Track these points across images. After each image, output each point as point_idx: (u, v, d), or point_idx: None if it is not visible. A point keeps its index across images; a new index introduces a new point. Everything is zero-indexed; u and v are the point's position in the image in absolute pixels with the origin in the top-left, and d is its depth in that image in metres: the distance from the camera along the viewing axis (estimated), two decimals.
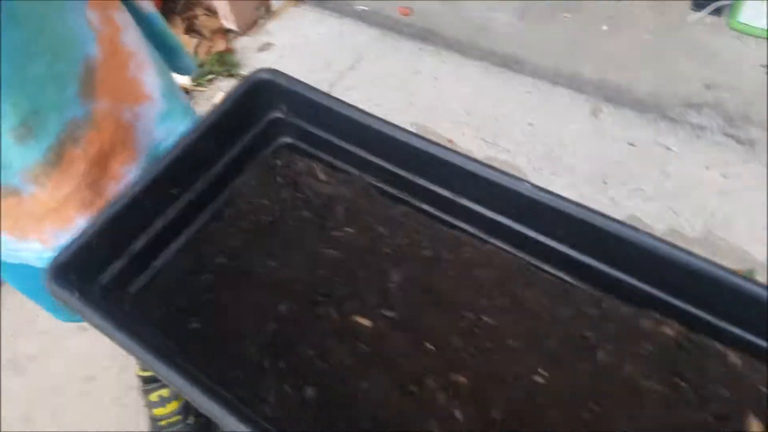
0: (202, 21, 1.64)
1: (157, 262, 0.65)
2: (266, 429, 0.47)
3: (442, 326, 0.60)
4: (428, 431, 0.53)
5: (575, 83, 1.53)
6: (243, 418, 0.46)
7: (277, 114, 0.69)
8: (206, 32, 1.61)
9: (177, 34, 1.55)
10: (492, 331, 0.59)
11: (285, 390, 0.56)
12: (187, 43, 1.58)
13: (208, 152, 0.66)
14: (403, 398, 0.55)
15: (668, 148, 1.42)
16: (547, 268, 0.62)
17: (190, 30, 1.64)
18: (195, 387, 0.47)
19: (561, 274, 0.61)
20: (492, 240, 0.64)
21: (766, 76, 1.48)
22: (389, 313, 0.61)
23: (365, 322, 0.61)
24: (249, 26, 1.67)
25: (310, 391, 0.56)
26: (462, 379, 0.57)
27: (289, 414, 0.54)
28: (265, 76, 0.66)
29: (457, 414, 0.54)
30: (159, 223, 0.64)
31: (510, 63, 1.57)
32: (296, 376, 0.57)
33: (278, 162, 0.73)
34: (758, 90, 1.46)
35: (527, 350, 0.58)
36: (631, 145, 1.43)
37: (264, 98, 0.67)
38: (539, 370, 0.57)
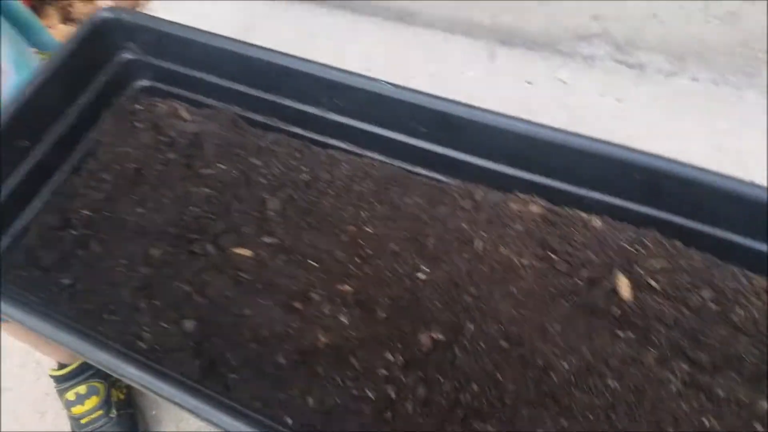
0: (78, 8, 1.55)
1: (19, 222, 0.61)
2: (136, 359, 0.45)
3: (324, 243, 0.59)
4: (315, 340, 0.52)
5: (470, 30, 1.56)
6: (113, 352, 0.44)
7: (128, 55, 0.66)
8: (84, 19, 1.53)
9: (53, 24, 1.47)
10: (374, 239, 0.59)
11: (162, 326, 0.54)
12: (64, 31, 1.49)
13: (56, 100, 0.62)
14: (288, 315, 0.54)
15: (564, 82, 1.47)
16: (421, 171, 0.62)
17: (67, 19, 1.55)
18: (62, 330, 0.45)
19: (435, 175, 0.62)
20: (367, 153, 0.64)
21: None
22: (269, 240, 0.60)
23: (245, 252, 0.59)
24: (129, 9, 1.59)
25: (188, 324, 0.54)
26: (347, 288, 0.56)
27: (166, 347, 0.52)
28: (107, 14, 0.63)
29: (343, 319, 0.54)
30: (12, 181, 0.60)
31: (404, 16, 1.58)
32: (173, 312, 0.55)
33: (137, 107, 0.69)
34: (643, 15, 1.53)
35: (409, 252, 0.58)
36: (529, 83, 1.47)
37: (109, 38, 0.64)
38: (422, 267, 0.57)
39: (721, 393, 0.47)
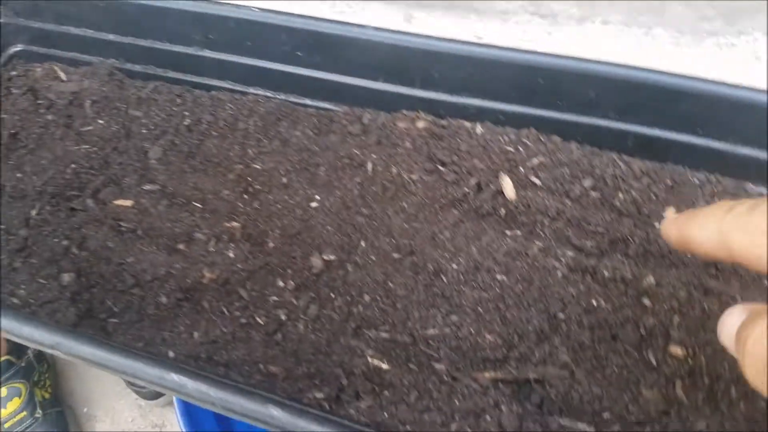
0: None
1: None
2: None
3: (209, 184, 0.57)
4: (200, 277, 0.51)
5: None
6: None
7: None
8: None
9: None
10: (263, 175, 0.58)
11: (38, 281, 0.51)
12: None
13: None
14: (171, 257, 0.52)
15: (480, 38, 1.49)
16: (308, 101, 0.61)
17: None
18: None
19: (322, 104, 0.61)
20: (251, 90, 0.62)
21: None
22: (151, 187, 0.58)
23: (126, 202, 0.57)
24: None
25: (66, 277, 0.51)
26: (234, 224, 0.55)
27: (40, 300, 0.49)
28: None
29: (231, 254, 0.52)
30: None
31: None
32: (51, 267, 0.52)
33: (13, 73, 0.66)
34: None
35: (300, 183, 0.57)
36: None
37: None
38: (314, 196, 0.56)
39: (606, 273, 0.47)
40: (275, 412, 0.34)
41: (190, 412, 0.75)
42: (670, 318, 0.44)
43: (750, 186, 0.52)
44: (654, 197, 0.51)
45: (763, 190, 0.52)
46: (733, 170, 0.51)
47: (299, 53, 0.57)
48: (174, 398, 0.81)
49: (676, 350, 0.43)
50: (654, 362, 0.42)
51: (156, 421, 1.10)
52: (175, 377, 0.37)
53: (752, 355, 0.25)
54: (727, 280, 0.47)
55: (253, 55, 0.59)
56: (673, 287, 0.46)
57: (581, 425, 0.40)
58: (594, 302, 0.46)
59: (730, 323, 0.29)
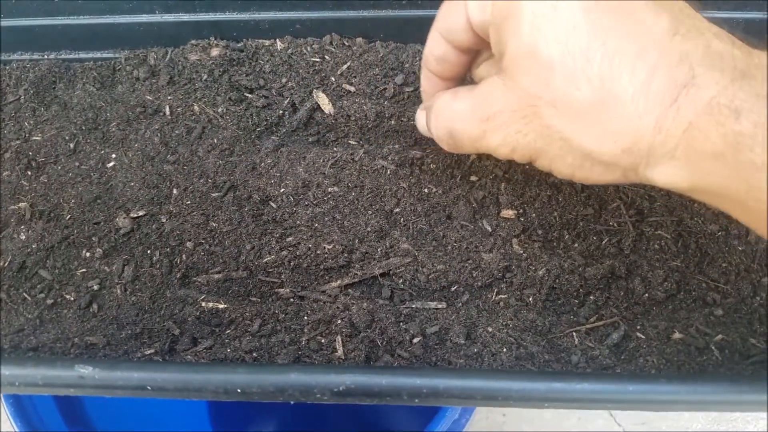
0: None
1: None
2: None
3: None
4: None
5: None
6: None
7: None
8: None
9: None
10: (46, 145, 0.52)
11: None
12: None
13: None
14: None
15: None
16: (82, 55, 0.57)
17: None
18: None
19: (99, 54, 0.56)
20: (14, 56, 0.56)
21: None
22: None
23: None
24: None
25: None
26: (22, 205, 0.49)
27: None
28: None
29: (23, 236, 0.47)
30: None
31: None
32: None
33: None
34: None
35: (91, 145, 0.52)
36: None
37: None
38: (110, 156, 0.52)
39: (432, 165, 0.49)
40: (83, 371, 0.31)
41: (24, 408, 0.66)
42: (498, 186, 0.47)
43: None
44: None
45: None
46: None
47: (55, 0, 0.52)
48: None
49: (508, 213, 0.46)
50: (489, 229, 0.45)
51: None
52: None
53: (436, 119, 0.36)
54: None
55: (5, 15, 0.53)
56: (496, 160, 0.49)
57: (432, 303, 0.42)
58: (426, 190, 0.48)
59: (421, 117, 0.43)
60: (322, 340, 0.39)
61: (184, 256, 0.45)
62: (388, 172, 0.49)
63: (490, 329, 0.39)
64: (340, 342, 0.38)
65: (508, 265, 0.43)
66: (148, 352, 0.39)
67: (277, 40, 0.55)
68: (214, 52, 0.55)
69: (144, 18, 0.54)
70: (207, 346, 0.39)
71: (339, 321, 0.40)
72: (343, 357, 0.37)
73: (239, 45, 0.55)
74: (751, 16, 0.51)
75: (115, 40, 0.55)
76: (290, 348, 0.38)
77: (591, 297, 0.42)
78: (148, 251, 0.46)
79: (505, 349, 0.38)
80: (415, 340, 0.39)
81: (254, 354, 0.38)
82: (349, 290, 0.44)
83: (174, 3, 0.53)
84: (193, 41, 0.55)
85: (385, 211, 0.47)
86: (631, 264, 0.43)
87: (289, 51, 0.54)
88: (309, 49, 0.54)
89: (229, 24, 0.54)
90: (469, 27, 0.33)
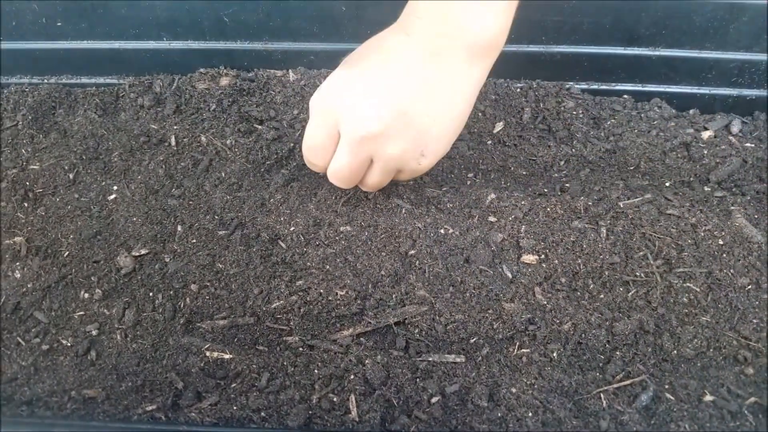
0: None
1: None
2: None
3: None
4: None
5: None
6: None
7: None
8: None
9: None
10: (44, 175, 0.50)
11: None
12: None
13: None
14: None
15: None
16: (85, 80, 0.55)
17: None
18: None
19: (103, 79, 0.55)
20: (12, 80, 0.54)
21: None
22: None
23: None
24: None
25: None
26: (18, 239, 0.47)
27: None
28: None
29: (17, 274, 0.45)
30: None
31: None
32: None
33: None
34: None
35: (91, 176, 0.50)
36: None
37: None
38: (111, 187, 0.50)
39: (449, 204, 0.48)
40: None
41: None
42: (518, 229, 0.45)
43: (572, 85, 0.55)
44: (481, 115, 0.53)
45: (583, 85, 0.55)
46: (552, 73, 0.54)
47: (59, 23, 0.50)
48: None
49: (530, 258, 0.44)
50: (510, 275, 0.43)
51: None
52: None
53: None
54: (573, 182, 0.49)
55: (5, 37, 0.51)
56: (515, 199, 0.47)
57: (450, 357, 0.40)
58: (442, 231, 0.46)
59: None
60: (335, 399, 0.37)
61: (188, 299, 0.43)
62: (403, 211, 0.47)
63: (513, 390, 0.37)
64: (354, 402, 0.36)
65: (531, 317, 0.41)
66: (150, 408, 0.37)
67: (290, 70, 0.53)
68: (224, 81, 0.53)
69: (151, 44, 0.52)
70: (212, 402, 0.37)
71: (352, 376, 0.38)
72: (357, 419, 0.35)
73: (250, 75, 0.53)
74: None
75: (120, 66, 0.54)
76: (300, 407, 0.36)
77: (618, 353, 0.40)
78: (151, 294, 0.44)
79: (530, 414, 0.36)
80: (433, 400, 0.37)
81: (262, 413, 0.36)
82: (362, 339, 0.42)
83: (183, 30, 0.51)
84: (201, 69, 0.53)
85: (400, 252, 0.45)
86: (660, 318, 0.41)
87: (302, 82, 0.53)
88: (323, 80, 0.53)
89: (241, 53, 0.53)
90: None
